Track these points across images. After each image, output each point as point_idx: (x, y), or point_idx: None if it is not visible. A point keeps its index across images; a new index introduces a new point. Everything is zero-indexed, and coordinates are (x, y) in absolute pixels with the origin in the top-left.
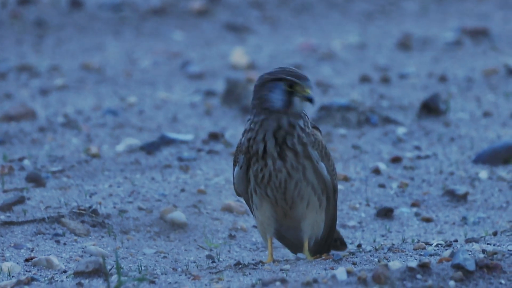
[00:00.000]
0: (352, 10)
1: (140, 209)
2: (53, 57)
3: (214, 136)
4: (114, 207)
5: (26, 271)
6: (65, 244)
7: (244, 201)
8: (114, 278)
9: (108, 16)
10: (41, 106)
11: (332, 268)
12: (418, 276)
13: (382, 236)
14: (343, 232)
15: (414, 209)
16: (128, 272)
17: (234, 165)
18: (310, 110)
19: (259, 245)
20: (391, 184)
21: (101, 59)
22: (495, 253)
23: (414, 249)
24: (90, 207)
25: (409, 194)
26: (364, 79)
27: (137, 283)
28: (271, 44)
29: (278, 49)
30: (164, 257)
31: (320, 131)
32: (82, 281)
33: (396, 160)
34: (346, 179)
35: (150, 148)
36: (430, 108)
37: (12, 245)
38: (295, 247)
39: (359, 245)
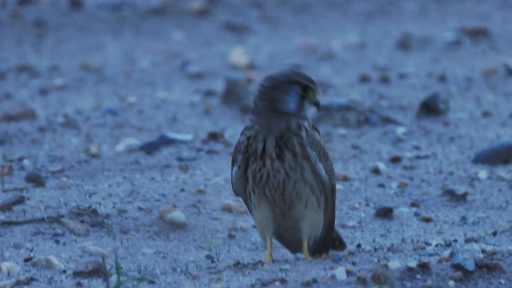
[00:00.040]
0: (351, 10)
1: (139, 209)
2: (52, 57)
3: (214, 136)
4: (114, 207)
5: (26, 271)
6: (64, 244)
7: (243, 201)
8: (113, 278)
9: (107, 16)
10: (40, 106)
11: (332, 268)
12: (418, 276)
13: (382, 236)
14: (342, 232)
15: (414, 209)
16: (127, 272)
17: (233, 165)
18: (309, 110)
19: (258, 245)
20: (390, 184)
21: (101, 59)
22: (495, 253)
23: (414, 249)
24: (89, 207)
25: (408, 194)
26: (364, 79)
27: (137, 283)
28: (271, 44)
29: (277, 49)
30: (164, 257)
31: (318, 132)
32: (82, 281)
33: (395, 160)
34: (345, 179)
35: (149, 148)
36: (430, 108)
37: (11, 245)
38: (294, 247)
39: (359, 245)
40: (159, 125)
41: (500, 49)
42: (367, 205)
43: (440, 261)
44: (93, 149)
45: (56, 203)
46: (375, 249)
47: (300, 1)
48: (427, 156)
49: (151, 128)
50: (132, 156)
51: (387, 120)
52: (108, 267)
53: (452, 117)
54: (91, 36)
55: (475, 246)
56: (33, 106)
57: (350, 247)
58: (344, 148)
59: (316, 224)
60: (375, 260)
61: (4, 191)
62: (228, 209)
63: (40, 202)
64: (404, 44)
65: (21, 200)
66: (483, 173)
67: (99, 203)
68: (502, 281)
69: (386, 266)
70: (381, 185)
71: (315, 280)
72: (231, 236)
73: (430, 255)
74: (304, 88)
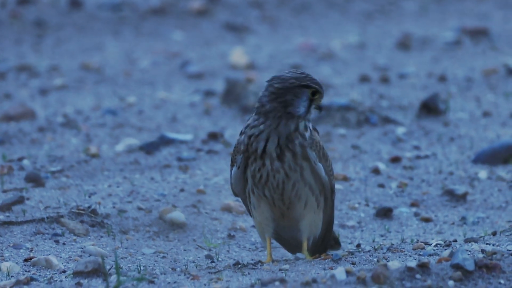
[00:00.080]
0: (351, 10)
1: (139, 209)
2: (52, 57)
3: (214, 136)
4: (113, 207)
5: (25, 271)
6: (64, 244)
7: (242, 201)
8: (113, 278)
9: (107, 16)
10: (40, 106)
11: (331, 268)
12: (417, 276)
13: (381, 236)
14: (342, 232)
15: (413, 209)
16: (127, 272)
17: (232, 165)
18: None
19: (258, 245)
20: (390, 184)
21: (101, 59)
22: (494, 253)
23: (413, 249)
24: (89, 207)
25: (408, 194)
26: (364, 79)
27: (136, 283)
28: (271, 44)
29: (277, 49)
30: (163, 257)
31: (318, 132)
32: (81, 281)
33: (395, 160)
34: (345, 179)
35: (149, 148)
36: (430, 108)
37: (11, 245)
38: (293, 247)
39: (358, 245)
40: (159, 125)
41: (500, 49)
42: (367, 205)
43: (439, 261)
44: (93, 149)
45: (56, 203)
46: (375, 249)
47: (300, 1)
48: (427, 156)
49: (151, 128)
50: (131, 156)
51: (387, 120)
52: (107, 267)
53: (452, 117)
54: (91, 36)
55: (475, 246)
56: (32, 106)
57: (350, 247)
58: (344, 148)
59: (316, 224)
60: (375, 260)
61: (4, 191)
62: (227, 209)
63: (40, 202)
64: (404, 44)
65: (20, 200)
66: (483, 173)
67: (99, 203)
68: (502, 281)
69: (385, 266)
70: (381, 185)
71: (314, 280)
72: (230, 236)
73: (430, 255)
74: (314, 92)
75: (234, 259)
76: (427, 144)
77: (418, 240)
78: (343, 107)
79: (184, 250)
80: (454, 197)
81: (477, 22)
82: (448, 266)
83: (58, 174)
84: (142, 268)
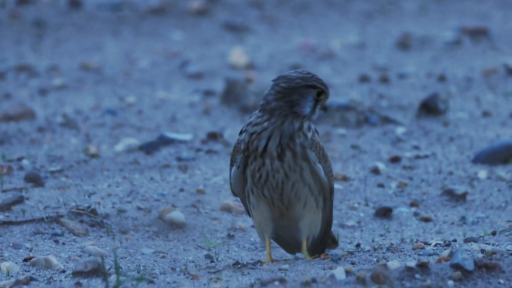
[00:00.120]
0: (351, 9)
1: (139, 209)
2: (52, 57)
3: (213, 136)
4: (113, 207)
5: (25, 271)
6: (64, 244)
7: (241, 201)
8: (112, 278)
9: (107, 16)
10: (40, 106)
11: (331, 268)
12: (417, 275)
13: (381, 235)
14: (341, 232)
15: (413, 209)
16: (126, 271)
17: (231, 165)
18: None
19: (257, 245)
20: (390, 183)
21: (100, 59)
22: (494, 253)
23: (413, 249)
24: (89, 207)
25: (408, 194)
26: (363, 79)
27: (136, 282)
28: (270, 44)
29: (277, 49)
30: (163, 256)
31: (317, 132)
32: (81, 280)
33: (395, 160)
34: (345, 178)
35: (149, 148)
36: (429, 108)
37: (11, 245)
38: (292, 248)
39: (358, 245)
40: (158, 125)
41: (500, 49)
42: (367, 205)
43: (439, 261)
44: (92, 149)
45: (55, 203)
46: (374, 249)
47: (299, 1)
48: (426, 156)
49: (150, 128)
50: (131, 156)
51: (387, 120)
52: (107, 267)
53: (451, 117)
54: (91, 36)
55: (475, 246)
56: (32, 106)
57: (349, 246)
58: (343, 148)
59: (315, 224)
60: (374, 260)
61: (4, 191)
62: (227, 209)
63: (39, 202)
64: (403, 44)
65: (20, 200)
66: (482, 173)
67: (98, 203)
68: (501, 281)
69: (385, 265)
70: (381, 185)
71: (314, 280)
72: (230, 236)
73: (429, 255)
74: (319, 92)
75: (234, 259)
76: (426, 144)
77: (417, 240)
78: (343, 107)
79: (184, 250)
80: (454, 197)
81: (477, 22)
82: (448, 266)
83: (58, 174)
84: (141, 268)
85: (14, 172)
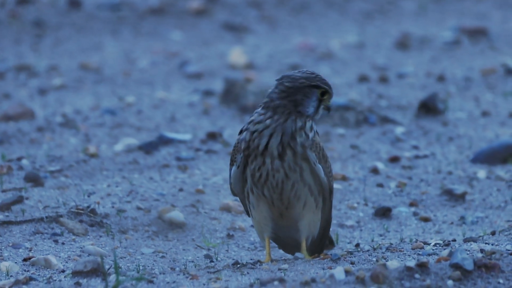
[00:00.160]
0: (350, 9)
1: (138, 208)
2: (51, 56)
3: (212, 136)
4: (112, 207)
5: (25, 270)
6: (63, 243)
7: (240, 201)
8: (112, 278)
9: (106, 16)
10: (39, 106)
11: (330, 268)
12: (416, 275)
13: (380, 235)
14: (341, 232)
15: (412, 209)
16: (126, 271)
17: (231, 164)
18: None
19: (257, 245)
20: (389, 183)
21: (100, 58)
22: (494, 253)
23: (412, 249)
24: (88, 207)
25: (407, 194)
26: (363, 79)
27: (135, 282)
28: (270, 44)
29: (276, 49)
30: (162, 256)
31: (318, 133)
32: (80, 280)
33: (394, 159)
34: (344, 178)
35: (148, 148)
36: (429, 108)
37: (10, 244)
38: (291, 248)
39: (357, 245)
40: (157, 125)
41: (499, 49)
42: (366, 204)
43: (438, 261)
44: (92, 149)
45: (55, 203)
46: (374, 249)
47: (299, 0)
48: (426, 156)
49: (149, 128)
50: (130, 155)
51: (386, 120)
52: (107, 266)
53: (451, 116)
54: (90, 36)
55: (474, 246)
56: (31, 106)
57: (349, 246)
58: (343, 147)
59: (314, 224)
60: (374, 259)
61: (3, 191)
62: (226, 209)
63: (39, 201)
64: (403, 44)
65: (20, 200)
66: (482, 173)
67: (98, 203)
68: (501, 281)
69: (384, 265)
70: (380, 185)
71: (313, 280)
72: (229, 236)
73: (429, 254)
74: (323, 93)
75: (233, 259)
76: (426, 144)
77: (417, 240)
78: (342, 106)
79: (183, 249)
80: (453, 197)
81: (476, 22)
82: (447, 266)
83: (57, 174)
84: (141, 267)
85: (13, 172)
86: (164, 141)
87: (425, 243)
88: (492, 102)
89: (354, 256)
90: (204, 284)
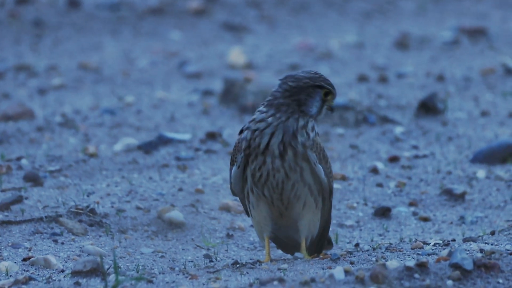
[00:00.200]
0: (349, 9)
1: (137, 208)
2: (51, 56)
3: (212, 136)
4: (112, 207)
5: (24, 270)
6: (62, 243)
7: (240, 201)
8: (111, 278)
9: (106, 16)
10: (39, 105)
11: (330, 268)
12: (416, 275)
13: (380, 235)
14: (340, 231)
15: (412, 209)
16: (125, 271)
17: (232, 164)
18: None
19: (256, 245)
20: (388, 183)
21: (99, 58)
22: (493, 253)
23: (412, 249)
24: (87, 207)
25: (406, 194)
26: (362, 79)
27: (135, 282)
28: (269, 44)
29: (275, 49)
30: (162, 256)
31: (318, 134)
32: (80, 280)
33: (393, 159)
34: (344, 178)
35: (147, 148)
36: (428, 108)
37: (10, 244)
38: (290, 248)
39: (357, 245)
40: (157, 125)
41: (498, 49)
42: (365, 204)
43: (438, 261)
44: (91, 149)
45: (54, 203)
46: (373, 249)
47: (298, 0)
48: (425, 156)
49: (149, 128)
50: (130, 155)
51: (385, 120)
52: (106, 266)
53: (450, 116)
54: (89, 36)
55: (473, 246)
56: (31, 105)
57: (348, 246)
58: (342, 147)
59: (314, 224)
60: (373, 259)
61: (3, 191)
62: (226, 209)
63: (38, 201)
64: (402, 44)
65: (19, 200)
66: (481, 173)
67: (97, 203)
68: (500, 281)
69: (384, 265)
70: (379, 185)
71: (313, 280)
72: (229, 236)
73: (428, 254)
74: (326, 93)
75: (233, 259)
76: (425, 144)
77: (416, 240)
78: (342, 106)
79: (183, 249)
80: (453, 197)
81: (475, 22)
82: (447, 266)
83: (57, 174)
84: (140, 267)
85: (13, 171)
86: (163, 141)
87: (424, 243)
88: (491, 102)
89: (354, 256)
90: (203, 284)
